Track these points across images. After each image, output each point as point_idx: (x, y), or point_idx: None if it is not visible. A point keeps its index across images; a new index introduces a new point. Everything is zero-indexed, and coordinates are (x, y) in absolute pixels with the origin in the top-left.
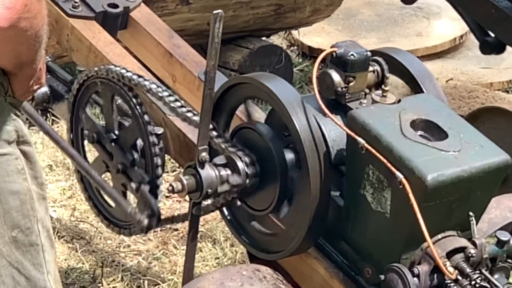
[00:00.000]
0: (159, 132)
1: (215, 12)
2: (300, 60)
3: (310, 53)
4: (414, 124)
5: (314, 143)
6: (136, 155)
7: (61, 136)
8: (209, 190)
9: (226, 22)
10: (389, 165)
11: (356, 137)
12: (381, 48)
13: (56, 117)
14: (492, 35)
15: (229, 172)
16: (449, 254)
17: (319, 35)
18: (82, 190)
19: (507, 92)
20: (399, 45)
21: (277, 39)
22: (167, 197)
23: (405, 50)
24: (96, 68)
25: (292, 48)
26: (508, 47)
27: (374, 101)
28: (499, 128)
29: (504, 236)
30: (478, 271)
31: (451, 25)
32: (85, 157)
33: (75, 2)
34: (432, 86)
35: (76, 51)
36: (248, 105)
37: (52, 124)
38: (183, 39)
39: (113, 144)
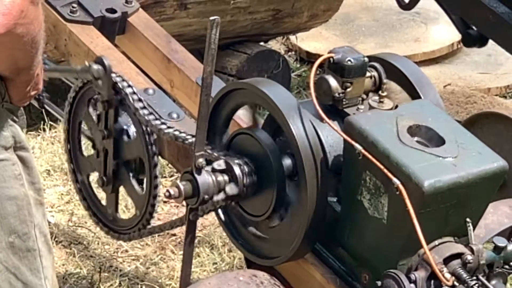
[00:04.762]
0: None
1: (211, 18)
2: (298, 65)
3: (308, 58)
4: (411, 130)
5: (311, 149)
6: None
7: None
8: (206, 196)
9: (224, 27)
10: (386, 171)
11: (353, 143)
12: (378, 54)
13: (53, 120)
14: (475, 28)
15: (226, 178)
16: (446, 260)
17: (317, 40)
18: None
19: (505, 97)
20: (397, 50)
21: (275, 44)
22: (165, 202)
23: (402, 56)
24: None
25: (290, 53)
26: (495, 45)
27: (371, 107)
28: (497, 133)
29: (501, 242)
30: (475, 277)
31: (449, 30)
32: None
33: (73, 7)
34: (430, 92)
35: (74, 56)
36: (245, 111)
37: (50, 129)
38: (181, 44)
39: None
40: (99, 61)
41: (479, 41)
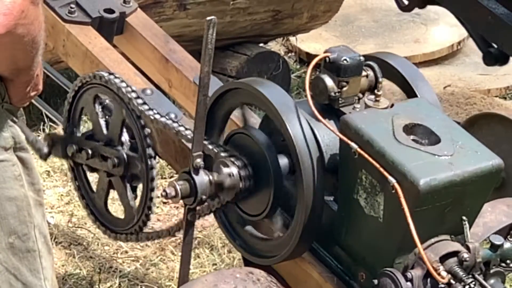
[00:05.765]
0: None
1: (208, 18)
2: (298, 66)
3: (308, 59)
4: (406, 129)
5: (308, 148)
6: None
7: None
8: (203, 196)
9: (223, 28)
10: (381, 169)
11: (349, 142)
12: (374, 53)
13: (53, 121)
14: (495, 46)
15: (223, 177)
16: (442, 259)
17: (316, 42)
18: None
19: (505, 98)
20: (397, 51)
21: (274, 46)
22: (164, 203)
23: (398, 55)
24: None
25: (289, 54)
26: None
27: (367, 106)
28: (496, 134)
29: (497, 240)
30: (471, 275)
31: (449, 32)
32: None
33: (71, 7)
34: (426, 91)
35: (72, 56)
36: (242, 111)
37: (50, 130)
38: (180, 45)
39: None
40: (48, 141)
41: (501, 59)
